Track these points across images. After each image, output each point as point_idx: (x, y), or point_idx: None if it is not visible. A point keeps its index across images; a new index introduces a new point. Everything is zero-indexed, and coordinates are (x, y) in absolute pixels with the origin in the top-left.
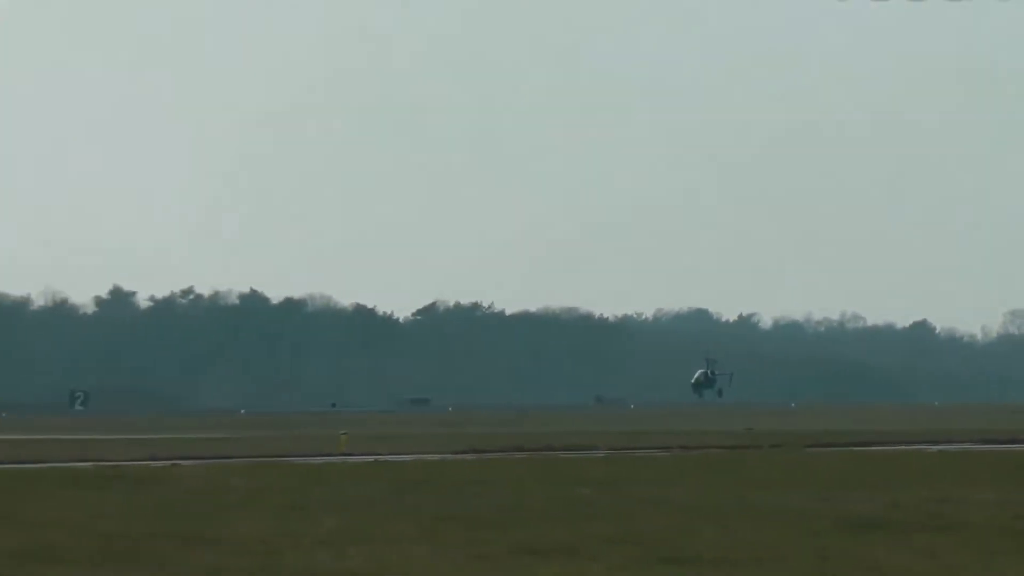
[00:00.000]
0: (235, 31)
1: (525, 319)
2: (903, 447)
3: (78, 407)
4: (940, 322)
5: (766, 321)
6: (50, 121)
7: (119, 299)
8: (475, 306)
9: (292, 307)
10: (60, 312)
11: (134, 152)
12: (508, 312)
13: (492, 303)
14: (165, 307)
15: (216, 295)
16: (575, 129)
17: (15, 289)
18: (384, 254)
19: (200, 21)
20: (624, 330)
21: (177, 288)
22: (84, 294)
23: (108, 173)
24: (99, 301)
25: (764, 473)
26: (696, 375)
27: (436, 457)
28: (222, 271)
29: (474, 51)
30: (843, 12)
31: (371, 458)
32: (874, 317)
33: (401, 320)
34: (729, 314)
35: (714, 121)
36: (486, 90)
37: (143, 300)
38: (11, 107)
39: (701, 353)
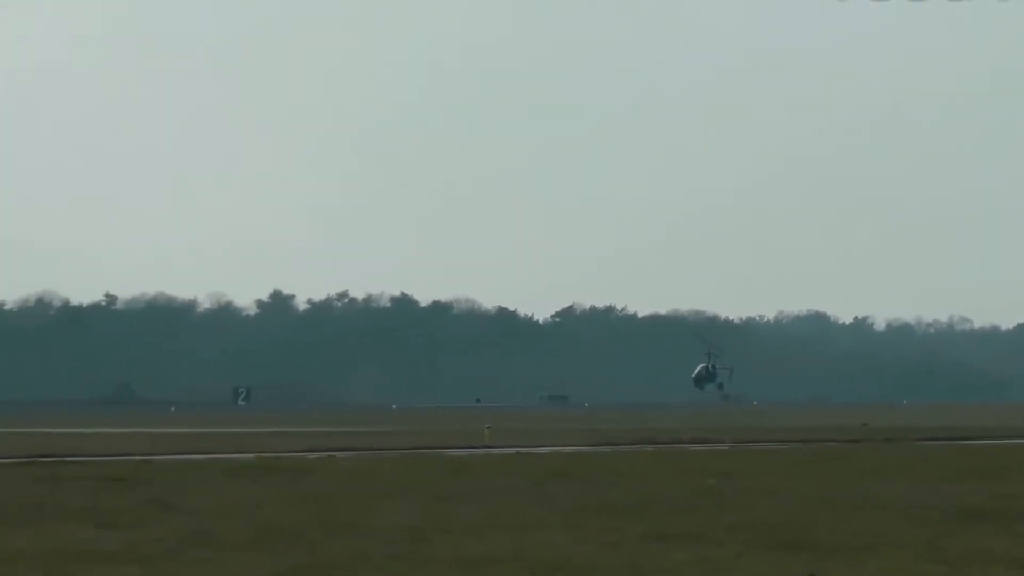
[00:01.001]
0: (369, 33)
1: (655, 321)
2: (1008, 441)
3: (241, 402)
4: None
5: (879, 323)
6: (212, 129)
7: (279, 302)
8: (609, 309)
9: (439, 309)
10: (224, 314)
11: (296, 161)
12: (640, 315)
13: (625, 306)
14: (322, 309)
15: (369, 298)
16: (699, 132)
17: (183, 292)
18: (525, 259)
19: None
20: (747, 331)
21: (333, 291)
22: (246, 297)
23: (271, 181)
24: (260, 304)
25: (878, 465)
26: (697, 369)
27: (573, 450)
28: (374, 276)
29: (596, 51)
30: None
31: (513, 450)
32: (980, 319)
33: (541, 322)
34: (845, 316)
35: (828, 121)
36: (619, 94)
37: (301, 303)
38: (183, 115)
39: (817, 354)
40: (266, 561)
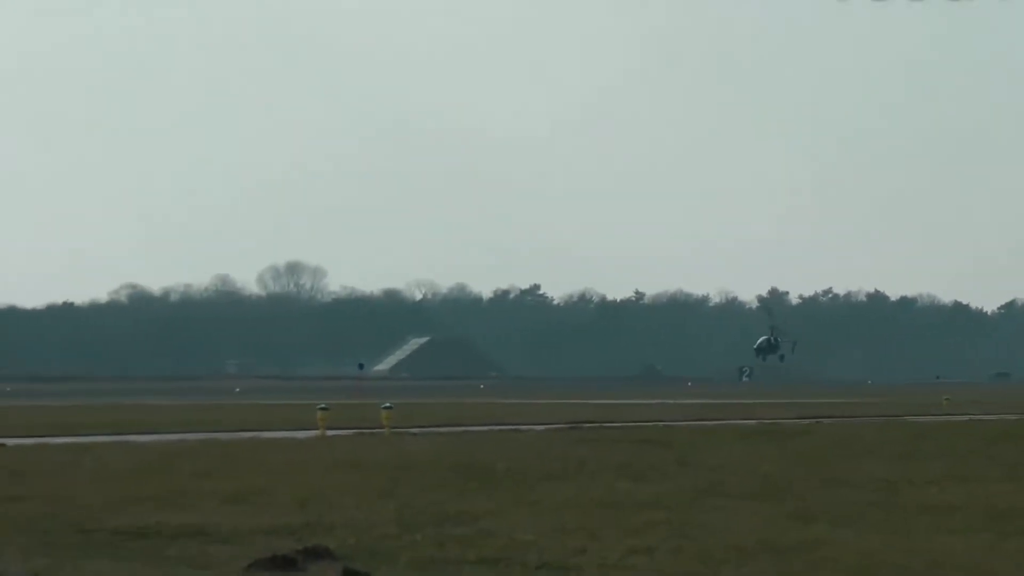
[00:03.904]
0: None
1: None
2: None
3: (744, 379)
4: None
5: None
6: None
7: (775, 297)
8: None
9: (906, 303)
10: (731, 307)
11: (787, 169)
12: None
13: None
14: (810, 303)
15: (848, 294)
16: None
17: (697, 289)
18: (977, 259)
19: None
20: None
21: (819, 288)
22: (748, 293)
23: (767, 188)
24: (760, 298)
25: None
26: (759, 341)
27: (1015, 417)
28: (854, 273)
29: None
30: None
31: (966, 417)
32: None
33: (988, 313)
34: None
35: None
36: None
37: (794, 297)
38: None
39: None
40: (767, 508)
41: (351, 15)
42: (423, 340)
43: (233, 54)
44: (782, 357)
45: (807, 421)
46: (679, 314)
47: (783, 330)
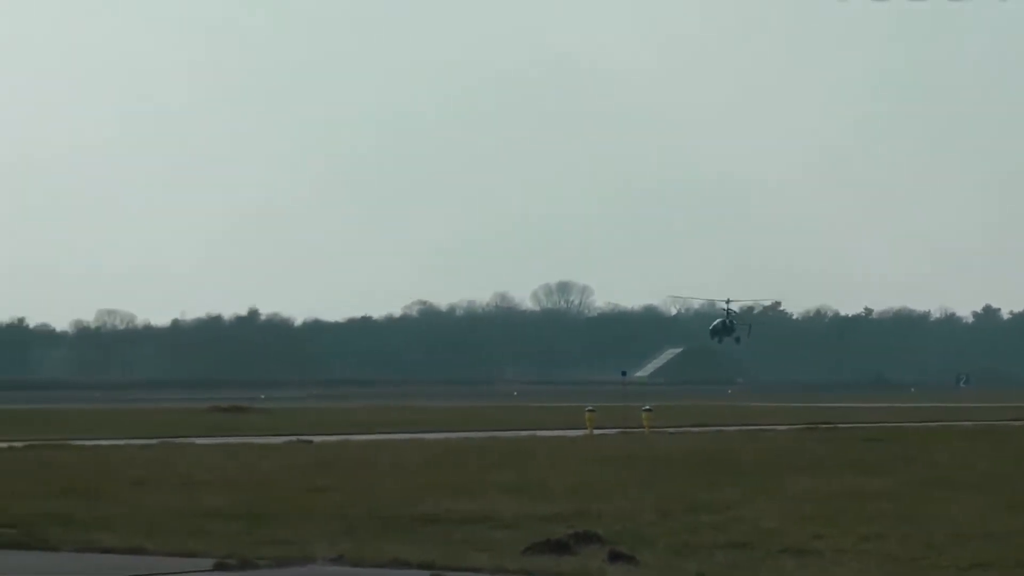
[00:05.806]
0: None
1: None
2: None
3: (961, 385)
4: None
5: None
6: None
7: (988, 312)
8: None
9: None
10: (949, 321)
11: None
12: None
13: None
14: (1019, 318)
15: None
16: None
17: (919, 305)
18: None
19: None
20: None
21: None
22: (965, 308)
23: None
24: (975, 314)
25: None
26: (714, 323)
27: None
28: None
29: None
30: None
31: None
32: None
33: None
34: None
35: None
36: None
37: (1005, 313)
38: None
39: None
40: (984, 500)
41: (626, 69)
42: (678, 350)
43: (518, 92)
44: (738, 339)
45: (1019, 423)
46: (904, 328)
47: (738, 315)
